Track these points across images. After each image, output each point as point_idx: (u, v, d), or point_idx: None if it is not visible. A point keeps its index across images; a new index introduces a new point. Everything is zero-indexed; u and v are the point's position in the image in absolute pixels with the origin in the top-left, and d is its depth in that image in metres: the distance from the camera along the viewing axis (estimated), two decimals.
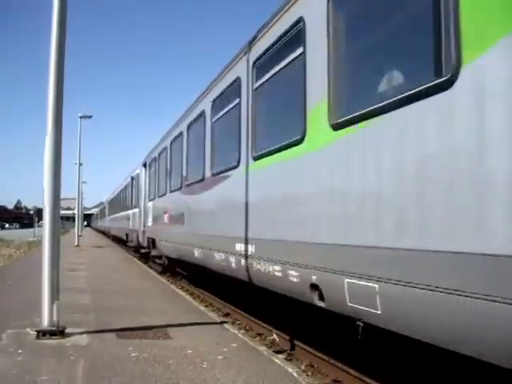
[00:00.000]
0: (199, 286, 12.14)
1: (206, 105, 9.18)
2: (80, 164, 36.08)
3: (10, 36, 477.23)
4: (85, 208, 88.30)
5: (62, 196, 6.69)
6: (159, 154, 15.03)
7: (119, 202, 31.26)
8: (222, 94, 8.38)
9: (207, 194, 8.83)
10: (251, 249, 6.43)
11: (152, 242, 15.81)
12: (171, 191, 12.36)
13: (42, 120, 6.86)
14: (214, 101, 8.79)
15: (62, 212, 47.59)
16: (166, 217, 12.98)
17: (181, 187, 11.11)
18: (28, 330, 6.40)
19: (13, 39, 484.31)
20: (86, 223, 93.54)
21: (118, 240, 34.35)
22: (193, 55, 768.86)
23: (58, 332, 6.15)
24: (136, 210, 20.14)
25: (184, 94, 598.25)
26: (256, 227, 6.41)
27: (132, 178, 22.80)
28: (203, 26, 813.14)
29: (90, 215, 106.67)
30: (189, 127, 10.80)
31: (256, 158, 6.48)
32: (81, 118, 33.42)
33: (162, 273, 15.15)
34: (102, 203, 76.03)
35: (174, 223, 11.77)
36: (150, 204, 16.46)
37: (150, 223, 16.35)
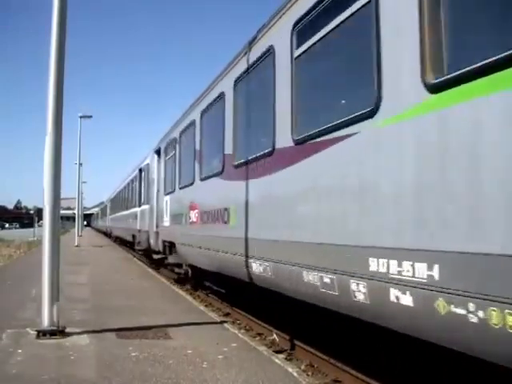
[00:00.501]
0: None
1: (279, 37, 5.82)
2: (80, 164, 36.16)
3: (10, 36, 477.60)
4: (85, 208, 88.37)
5: (62, 196, 6.69)
6: (181, 134, 11.34)
7: (124, 199, 27.21)
8: (315, 7, 4.86)
9: (283, 175, 5.57)
10: (427, 271, 3.25)
11: (169, 247, 12.53)
12: (203, 179, 9.04)
13: (41, 120, 6.86)
14: (297, 24, 5.31)
15: (62, 212, 47.55)
16: (193, 214, 9.72)
17: (222, 171, 7.81)
18: (28, 329, 6.40)
19: (13, 39, 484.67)
20: (85, 223, 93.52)
21: (120, 240, 32.37)
22: (193, 55, 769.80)
23: (58, 332, 6.15)
24: (146, 207, 16.89)
25: (184, 93, 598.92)
26: (440, 229, 3.22)
27: (140, 170, 19.24)
28: (203, 26, 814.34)
29: (90, 215, 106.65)
30: (237, 82, 7.29)
31: (455, 82, 3.14)
32: (81, 117, 33.46)
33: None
34: (102, 203, 75.89)
35: (209, 222, 8.46)
36: (166, 199, 12.84)
37: (166, 222, 12.81)
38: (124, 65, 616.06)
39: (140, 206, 18.66)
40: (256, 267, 6.29)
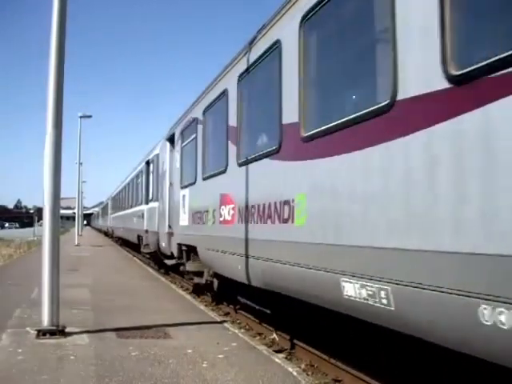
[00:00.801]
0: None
1: None
2: (80, 163, 36.17)
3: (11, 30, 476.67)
4: (84, 208, 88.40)
5: (62, 195, 6.69)
6: (206, 111, 8.99)
7: (127, 196, 24.94)
8: None
9: (420, 142, 3.38)
10: None
11: (187, 251, 10.40)
12: (243, 163, 6.76)
13: (42, 119, 6.86)
14: None
15: (62, 211, 47.50)
16: (225, 210, 7.52)
17: (278, 149, 5.62)
18: (28, 329, 6.40)
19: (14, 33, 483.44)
20: (85, 223, 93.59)
21: (121, 241, 30.84)
22: (201, 61, 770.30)
23: (58, 331, 6.15)
24: (154, 205, 14.87)
25: (185, 94, 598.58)
26: None
27: (148, 163, 17.04)
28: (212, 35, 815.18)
29: (90, 215, 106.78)
30: (307, 19, 5.02)
31: None
32: (81, 117, 33.47)
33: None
34: (101, 203, 75.88)
35: (255, 221, 6.30)
36: (183, 193, 10.54)
37: (183, 222, 10.50)
38: (126, 68, 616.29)
39: (147, 203, 16.67)
40: (352, 290, 4.05)
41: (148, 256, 17.38)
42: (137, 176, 20.77)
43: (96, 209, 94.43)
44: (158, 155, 14.82)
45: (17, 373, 4.76)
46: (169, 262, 12.41)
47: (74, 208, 64.57)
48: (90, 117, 34.29)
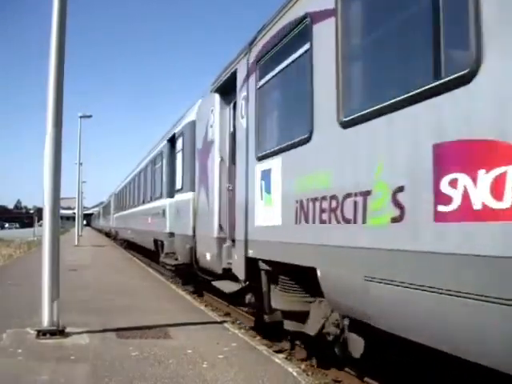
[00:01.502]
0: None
1: None
2: (80, 163, 36.15)
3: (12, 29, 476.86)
4: (84, 208, 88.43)
5: (62, 196, 6.69)
6: None
7: (138, 190, 19.98)
8: None
9: None
10: None
11: (270, 272, 6.13)
12: None
13: (42, 119, 6.86)
14: None
15: (62, 212, 47.39)
16: (478, 185, 2.76)
17: None
18: (28, 329, 6.40)
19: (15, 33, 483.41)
20: (85, 223, 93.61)
21: (127, 243, 27.19)
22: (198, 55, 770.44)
23: (58, 331, 6.15)
24: (186, 197, 10.37)
25: (185, 94, 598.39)
26: None
27: (172, 140, 12.68)
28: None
29: (90, 215, 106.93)
30: None
31: None
32: (81, 117, 33.47)
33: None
34: (101, 203, 75.82)
35: None
36: (265, 167, 6.05)
37: (266, 220, 6.02)
38: (126, 69, 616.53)
39: (172, 195, 12.13)
40: None
41: (172, 268, 12.01)
42: (153, 161, 15.79)
43: (96, 209, 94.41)
44: (193, 123, 10.33)
45: (17, 373, 4.76)
46: (226, 289, 7.71)
47: (74, 208, 64.54)
48: (90, 117, 34.30)
